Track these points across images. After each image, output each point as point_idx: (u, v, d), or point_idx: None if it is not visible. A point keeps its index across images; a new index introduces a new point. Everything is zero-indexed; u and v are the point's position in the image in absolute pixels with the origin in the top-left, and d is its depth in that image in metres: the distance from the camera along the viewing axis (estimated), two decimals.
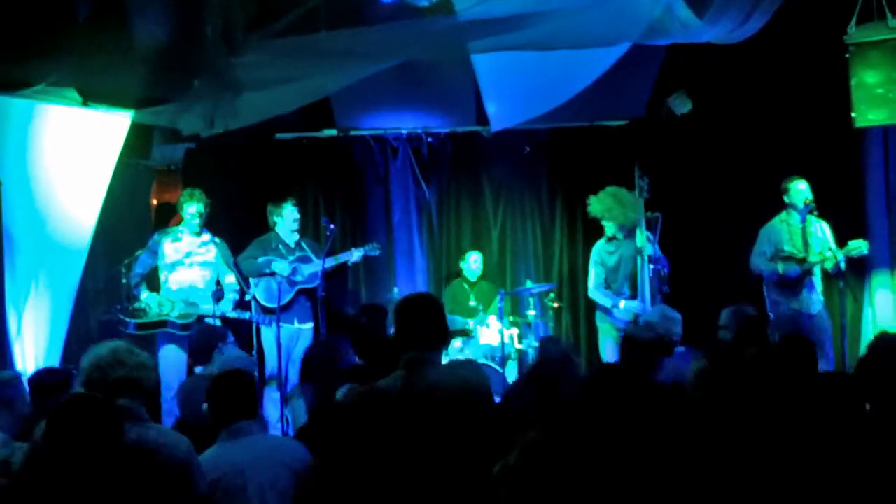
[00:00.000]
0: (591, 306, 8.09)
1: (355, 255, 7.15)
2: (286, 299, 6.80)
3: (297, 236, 7.12)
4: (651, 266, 6.76)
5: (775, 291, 6.77)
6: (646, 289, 6.73)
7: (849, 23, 6.06)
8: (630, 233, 7.02)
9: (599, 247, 7.28)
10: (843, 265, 6.58)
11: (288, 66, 4.87)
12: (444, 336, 3.40)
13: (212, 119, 5.03)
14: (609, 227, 7.17)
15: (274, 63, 4.75)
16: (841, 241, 6.68)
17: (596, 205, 7.15)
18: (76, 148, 6.20)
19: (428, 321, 3.34)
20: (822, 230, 6.70)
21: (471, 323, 7.60)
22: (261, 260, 6.89)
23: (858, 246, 6.54)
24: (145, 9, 3.93)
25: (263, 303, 6.85)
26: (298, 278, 6.92)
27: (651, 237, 6.86)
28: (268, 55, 4.58)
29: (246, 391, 3.52)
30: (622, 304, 6.98)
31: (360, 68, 5.46)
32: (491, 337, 7.46)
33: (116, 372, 3.21)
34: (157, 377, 5.11)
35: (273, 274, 6.84)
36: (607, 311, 7.15)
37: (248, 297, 6.71)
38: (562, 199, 8.57)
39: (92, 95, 5.10)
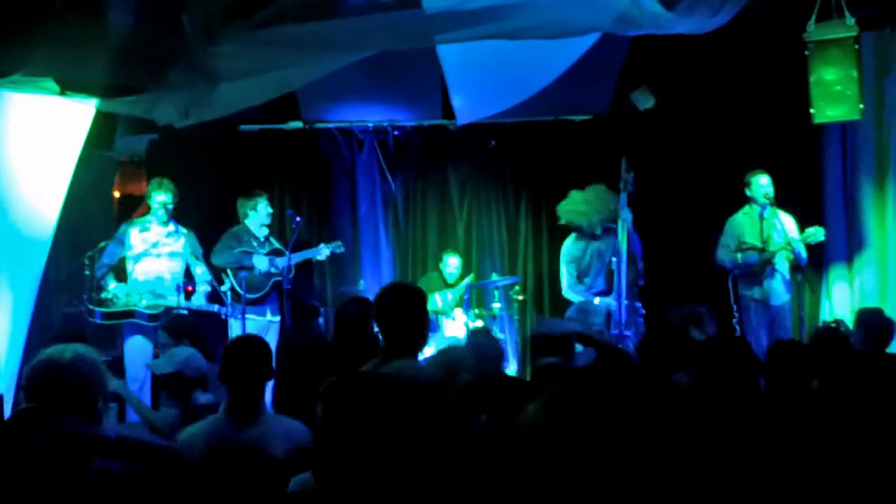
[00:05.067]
0: (556, 298, 8.20)
1: (323, 252, 7.19)
2: (264, 290, 6.88)
3: (266, 231, 7.13)
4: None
5: (739, 283, 6.89)
6: (622, 283, 6.69)
7: (808, 21, 6.20)
8: (604, 230, 7.04)
9: (569, 245, 7.25)
10: (804, 253, 6.72)
11: (262, 57, 4.87)
12: (424, 335, 3.36)
13: (186, 110, 5.01)
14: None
15: (249, 53, 4.74)
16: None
17: (567, 214, 7.17)
18: (39, 138, 6.10)
19: (412, 318, 3.29)
20: (782, 223, 6.82)
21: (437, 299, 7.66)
22: (237, 252, 6.87)
23: (814, 233, 6.62)
24: None
25: (244, 293, 6.77)
26: (274, 270, 6.93)
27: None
28: (243, 45, 4.58)
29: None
30: (596, 300, 6.92)
31: (333, 59, 5.48)
32: (456, 329, 7.50)
33: None
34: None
35: (251, 268, 6.83)
36: None
37: (224, 289, 6.69)
38: (527, 193, 8.65)
39: (69, 85, 5.04)
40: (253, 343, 3.52)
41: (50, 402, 2.71)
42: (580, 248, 7.18)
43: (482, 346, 4.59)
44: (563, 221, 7.24)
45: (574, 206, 7.15)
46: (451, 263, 8.07)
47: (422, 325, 3.35)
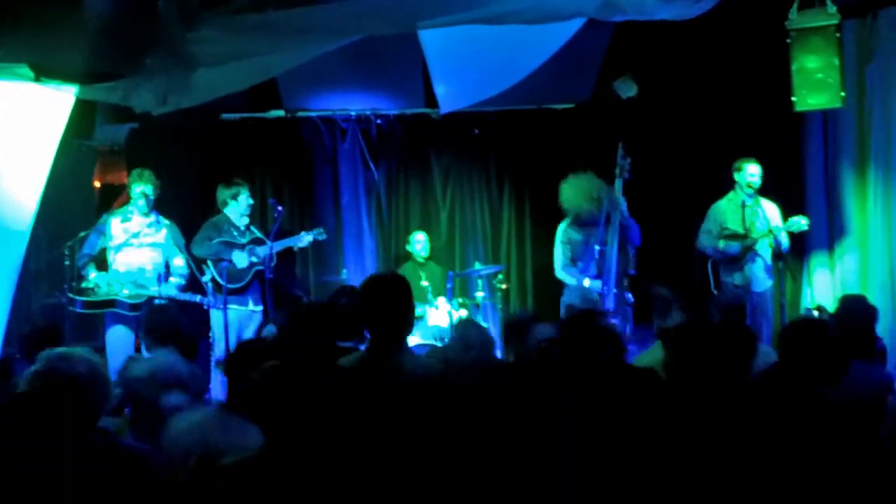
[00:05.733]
0: (539, 287, 8.22)
1: (304, 239, 7.18)
2: (245, 280, 6.85)
3: (247, 220, 7.10)
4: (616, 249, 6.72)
5: (721, 269, 6.90)
6: (612, 270, 6.70)
7: (790, 9, 6.22)
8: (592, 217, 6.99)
9: (563, 227, 7.21)
10: (786, 241, 6.76)
11: (242, 43, 4.82)
12: (411, 323, 3.36)
13: (164, 96, 4.95)
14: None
15: (229, 39, 4.69)
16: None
17: (563, 199, 7.12)
18: (18, 127, 6.05)
19: (399, 303, 3.28)
20: (764, 211, 6.83)
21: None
22: (216, 243, 6.83)
23: (797, 222, 6.65)
24: None
25: (225, 284, 6.73)
26: (255, 259, 6.90)
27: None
28: (223, 31, 4.53)
29: None
30: (586, 282, 6.87)
31: (315, 46, 5.44)
32: (440, 318, 7.49)
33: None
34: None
35: (229, 262, 6.81)
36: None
37: (205, 280, 6.65)
38: (510, 181, 8.64)
39: (44, 71, 4.98)
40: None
41: (50, 408, 2.66)
42: (573, 231, 7.14)
43: (471, 336, 4.58)
44: (564, 204, 7.18)
45: (566, 192, 7.13)
46: (419, 240, 8.05)
47: (409, 314, 3.34)
